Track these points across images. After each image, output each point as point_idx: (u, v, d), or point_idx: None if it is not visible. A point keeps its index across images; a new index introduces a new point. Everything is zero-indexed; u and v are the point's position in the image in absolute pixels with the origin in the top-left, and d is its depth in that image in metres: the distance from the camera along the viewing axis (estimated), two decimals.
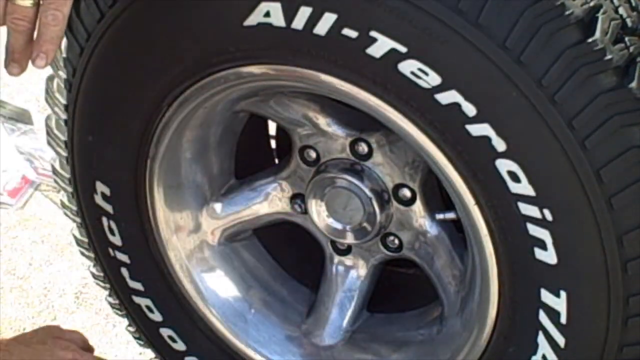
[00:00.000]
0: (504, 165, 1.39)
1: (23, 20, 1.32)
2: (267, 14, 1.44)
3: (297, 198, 1.78)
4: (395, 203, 1.68)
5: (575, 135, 1.33)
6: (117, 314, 2.03)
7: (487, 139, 1.38)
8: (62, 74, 1.71)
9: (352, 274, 1.81)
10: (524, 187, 1.39)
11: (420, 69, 1.37)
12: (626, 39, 1.33)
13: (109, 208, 1.81)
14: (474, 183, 1.44)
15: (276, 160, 1.96)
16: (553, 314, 1.48)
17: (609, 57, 1.30)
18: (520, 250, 1.46)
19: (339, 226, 1.71)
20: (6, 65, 1.37)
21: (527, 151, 1.37)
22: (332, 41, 1.42)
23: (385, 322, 1.87)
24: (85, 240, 1.92)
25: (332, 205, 1.69)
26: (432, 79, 1.37)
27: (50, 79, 1.77)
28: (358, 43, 1.40)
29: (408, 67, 1.38)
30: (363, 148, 1.66)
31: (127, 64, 1.63)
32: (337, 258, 1.81)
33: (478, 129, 1.38)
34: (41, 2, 1.32)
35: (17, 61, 1.37)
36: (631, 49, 1.33)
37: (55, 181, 1.91)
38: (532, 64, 1.31)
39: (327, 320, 1.84)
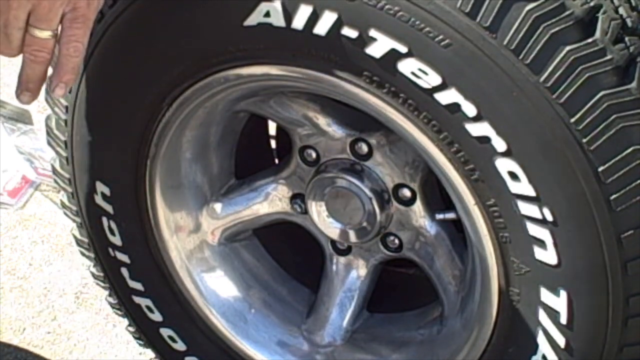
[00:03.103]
0: (504, 165, 1.39)
1: (42, 52, 1.32)
2: (267, 14, 1.44)
3: (297, 198, 1.78)
4: (395, 203, 1.68)
5: (575, 135, 1.33)
6: (117, 314, 2.03)
7: (487, 138, 1.38)
8: None
9: (352, 274, 1.81)
10: (524, 187, 1.39)
11: (420, 69, 1.37)
12: (626, 39, 1.33)
13: (109, 208, 1.81)
14: (474, 183, 1.44)
15: (276, 160, 1.96)
16: (553, 314, 1.48)
17: (609, 57, 1.31)
18: (520, 250, 1.46)
19: (339, 226, 1.71)
20: (18, 95, 1.37)
21: (527, 151, 1.37)
22: (332, 41, 1.42)
23: (385, 322, 1.87)
24: (85, 240, 1.92)
25: (332, 205, 1.69)
26: (432, 78, 1.37)
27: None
28: (358, 43, 1.40)
29: (408, 66, 1.38)
30: (363, 148, 1.66)
31: (127, 64, 1.63)
32: (337, 258, 1.81)
33: (478, 129, 1.38)
34: (61, 34, 1.31)
35: (30, 90, 1.36)
36: (631, 49, 1.33)
37: (55, 181, 1.91)
38: (532, 63, 1.31)
39: (327, 320, 1.84)
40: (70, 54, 1.33)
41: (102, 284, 1.98)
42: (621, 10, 1.35)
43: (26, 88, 1.36)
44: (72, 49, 1.32)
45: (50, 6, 1.27)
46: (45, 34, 1.30)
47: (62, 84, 1.36)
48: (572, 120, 1.32)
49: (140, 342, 2.03)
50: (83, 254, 1.97)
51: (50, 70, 1.37)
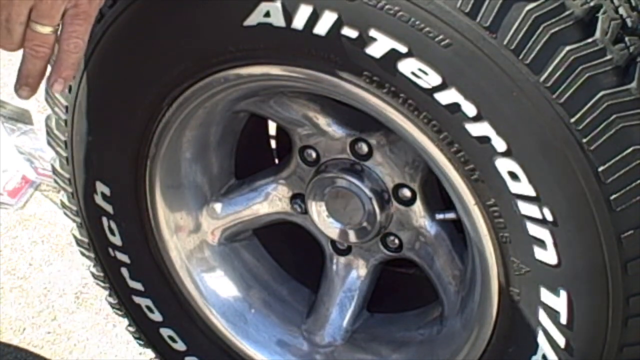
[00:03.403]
0: (504, 165, 1.39)
1: (43, 47, 1.33)
2: (267, 14, 1.44)
3: (297, 198, 1.78)
4: (395, 203, 1.68)
5: (575, 135, 1.33)
6: (117, 314, 2.03)
7: (487, 138, 1.38)
8: None
9: (352, 274, 1.81)
10: (523, 187, 1.39)
11: (420, 69, 1.37)
12: (626, 39, 1.33)
13: (109, 208, 1.81)
14: (474, 183, 1.44)
15: (276, 160, 1.96)
16: (553, 314, 1.48)
17: (609, 57, 1.31)
18: (520, 250, 1.45)
19: (339, 226, 1.71)
20: (17, 90, 1.38)
21: (527, 151, 1.37)
22: (332, 41, 1.42)
23: (385, 322, 1.87)
24: (85, 240, 1.92)
25: (332, 205, 1.69)
26: (432, 78, 1.37)
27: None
28: (358, 43, 1.40)
29: (408, 66, 1.38)
30: (363, 148, 1.66)
31: (127, 64, 1.63)
32: (337, 258, 1.81)
33: (478, 129, 1.38)
34: (62, 30, 1.32)
35: (29, 85, 1.37)
36: (631, 49, 1.33)
37: (55, 181, 1.91)
38: (532, 63, 1.31)
39: (327, 320, 1.84)
40: (71, 50, 1.33)
41: (102, 284, 1.98)
42: (621, 10, 1.35)
43: (25, 83, 1.36)
44: (72, 45, 1.33)
45: (52, 2, 1.28)
46: (47, 30, 1.31)
47: (61, 80, 1.36)
48: (572, 120, 1.32)
49: (140, 342, 2.03)
50: (83, 254, 1.97)
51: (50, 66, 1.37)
